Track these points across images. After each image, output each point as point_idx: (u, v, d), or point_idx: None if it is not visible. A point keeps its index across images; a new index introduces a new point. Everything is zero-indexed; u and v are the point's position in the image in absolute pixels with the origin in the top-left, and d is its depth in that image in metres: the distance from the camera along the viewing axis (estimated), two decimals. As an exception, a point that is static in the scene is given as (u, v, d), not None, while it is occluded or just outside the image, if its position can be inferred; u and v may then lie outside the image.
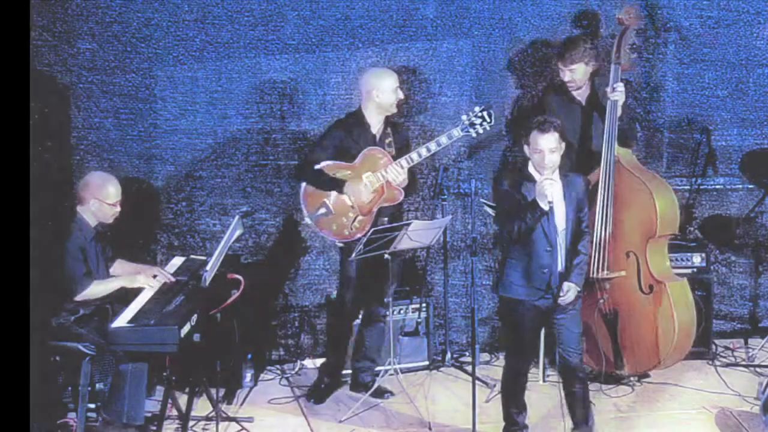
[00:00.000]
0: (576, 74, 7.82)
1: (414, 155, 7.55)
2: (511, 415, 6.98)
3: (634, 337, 7.75)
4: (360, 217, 7.55)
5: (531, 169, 6.65)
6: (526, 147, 6.65)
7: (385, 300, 7.76)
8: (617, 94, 7.68)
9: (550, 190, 6.51)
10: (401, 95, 7.61)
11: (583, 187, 6.78)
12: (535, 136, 6.56)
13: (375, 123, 7.61)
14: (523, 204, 6.59)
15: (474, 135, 7.66)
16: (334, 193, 7.54)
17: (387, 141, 7.62)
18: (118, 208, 7.15)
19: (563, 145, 6.64)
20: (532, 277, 6.67)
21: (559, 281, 6.67)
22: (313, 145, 7.83)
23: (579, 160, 7.84)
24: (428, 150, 7.57)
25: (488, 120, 7.60)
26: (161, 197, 8.15)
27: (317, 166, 7.53)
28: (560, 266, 6.68)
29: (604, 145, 7.66)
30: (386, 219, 7.64)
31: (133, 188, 7.88)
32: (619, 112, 7.70)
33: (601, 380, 7.81)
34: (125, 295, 7.10)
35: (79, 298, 6.99)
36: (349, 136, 7.57)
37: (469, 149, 8.43)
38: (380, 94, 7.52)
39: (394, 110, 7.63)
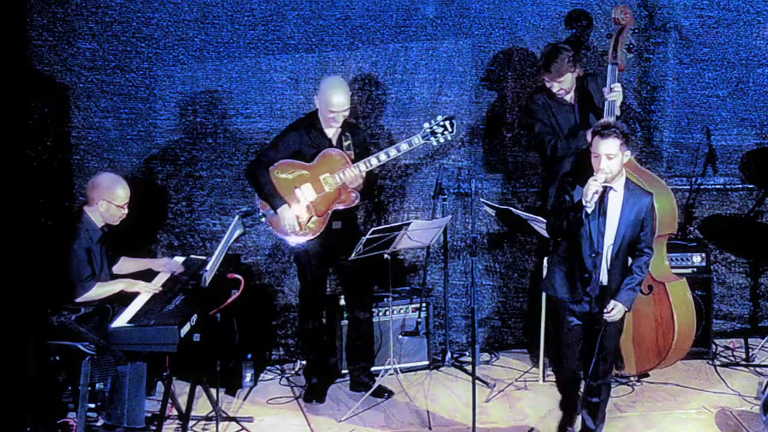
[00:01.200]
0: (564, 84, 7.78)
1: (373, 159, 7.53)
2: (569, 418, 6.99)
3: (634, 338, 7.75)
4: (314, 218, 7.54)
5: None
6: (592, 149, 6.61)
7: (362, 302, 7.80)
8: (614, 94, 7.65)
9: (593, 192, 6.45)
10: (344, 116, 7.46)
11: (647, 206, 6.68)
12: (596, 141, 6.53)
13: (328, 127, 7.58)
14: (569, 203, 6.58)
15: (435, 144, 7.65)
16: (295, 193, 7.50)
17: (346, 144, 7.59)
18: (126, 210, 7.15)
19: (627, 153, 6.57)
20: (573, 279, 6.66)
21: (599, 292, 6.64)
22: (269, 145, 7.74)
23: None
24: (387, 155, 7.55)
25: (450, 130, 7.59)
26: (161, 196, 8.16)
27: (272, 167, 7.49)
28: (604, 278, 6.64)
29: None
30: (340, 222, 7.62)
31: (135, 188, 7.90)
32: (618, 112, 7.69)
33: (618, 380, 7.82)
34: (125, 295, 7.10)
35: (80, 299, 6.98)
36: (306, 136, 7.54)
37: (469, 151, 8.43)
38: (320, 104, 7.49)
39: (336, 124, 7.50)
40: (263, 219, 7.63)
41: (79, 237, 7.03)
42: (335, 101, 7.43)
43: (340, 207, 7.57)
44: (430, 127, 7.59)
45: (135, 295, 7.10)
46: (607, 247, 6.61)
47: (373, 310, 8.02)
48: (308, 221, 7.53)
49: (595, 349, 6.66)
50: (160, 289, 7.16)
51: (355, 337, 7.93)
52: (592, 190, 6.44)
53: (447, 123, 7.60)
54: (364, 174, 7.53)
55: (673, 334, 7.67)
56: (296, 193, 7.53)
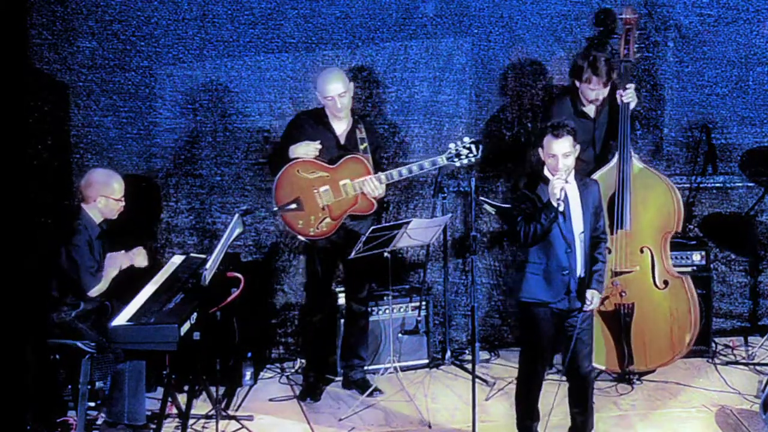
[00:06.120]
0: (605, 92, 7.75)
1: (395, 173, 7.51)
2: (524, 424, 6.96)
3: (647, 334, 7.75)
4: (328, 220, 7.52)
5: (546, 172, 6.64)
6: (540, 151, 6.65)
7: (360, 296, 7.79)
8: (630, 94, 7.65)
9: (559, 189, 6.50)
10: (343, 103, 7.44)
11: (599, 193, 6.79)
12: (549, 140, 6.57)
13: (336, 122, 7.58)
14: (538, 206, 6.60)
15: (458, 165, 7.59)
16: (313, 193, 7.51)
17: (362, 147, 7.57)
18: (123, 202, 7.18)
19: (577, 148, 6.64)
20: (552, 279, 6.66)
21: (578, 286, 6.66)
22: (282, 138, 7.74)
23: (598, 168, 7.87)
24: (410, 171, 7.52)
25: (474, 153, 7.51)
26: (161, 195, 8.16)
27: (293, 163, 7.46)
28: (580, 270, 6.67)
29: (619, 143, 7.66)
30: (353, 223, 7.60)
31: (133, 186, 7.90)
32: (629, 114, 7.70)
33: (618, 379, 7.82)
34: (125, 293, 7.09)
35: (93, 293, 6.99)
36: (311, 129, 7.52)
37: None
38: (318, 94, 7.50)
39: (340, 115, 7.49)
40: (274, 209, 7.58)
41: (79, 233, 7.03)
42: (329, 87, 7.43)
43: (357, 213, 7.57)
44: (456, 149, 7.49)
45: (136, 291, 7.09)
46: (578, 241, 6.66)
47: (373, 308, 8.02)
48: (321, 221, 7.51)
49: (573, 346, 6.67)
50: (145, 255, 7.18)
51: (348, 333, 7.91)
52: (558, 188, 6.51)
53: (473, 146, 7.49)
54: (384, 186, 7.52)
55: (690, 327, 7.71)
56: (314, 194, 7.51)
